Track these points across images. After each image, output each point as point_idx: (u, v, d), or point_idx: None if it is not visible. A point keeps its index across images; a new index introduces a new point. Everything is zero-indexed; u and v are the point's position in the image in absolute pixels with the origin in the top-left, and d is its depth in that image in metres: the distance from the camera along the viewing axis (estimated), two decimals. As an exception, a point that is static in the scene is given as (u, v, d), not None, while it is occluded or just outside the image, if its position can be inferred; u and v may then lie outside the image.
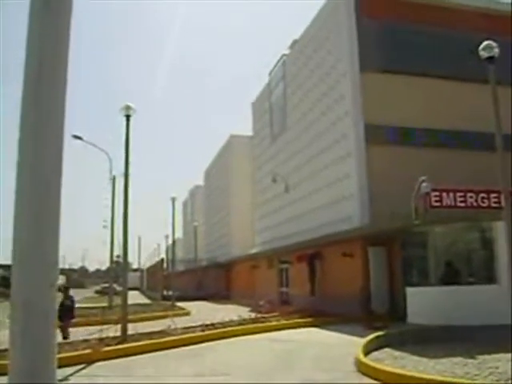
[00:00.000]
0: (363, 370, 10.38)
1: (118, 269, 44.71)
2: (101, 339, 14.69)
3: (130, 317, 18.41)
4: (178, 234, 75.42)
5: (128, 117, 16.30)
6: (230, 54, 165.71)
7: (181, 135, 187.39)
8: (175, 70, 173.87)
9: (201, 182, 67.74)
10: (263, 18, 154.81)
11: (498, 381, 8.95)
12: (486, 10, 23.65)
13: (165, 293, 45.82)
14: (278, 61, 32.11)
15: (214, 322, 19.33)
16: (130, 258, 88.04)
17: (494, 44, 11.87)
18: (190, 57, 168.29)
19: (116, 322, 16.87)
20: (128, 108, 16.27)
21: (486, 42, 11.96)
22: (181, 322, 20.05)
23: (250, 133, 41.15)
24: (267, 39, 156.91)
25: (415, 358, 11.28)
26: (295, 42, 29.76)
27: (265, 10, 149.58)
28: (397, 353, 11.98)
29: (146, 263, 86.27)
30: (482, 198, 15.91)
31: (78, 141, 28.14)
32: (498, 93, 11.97)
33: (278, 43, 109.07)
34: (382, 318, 18.79)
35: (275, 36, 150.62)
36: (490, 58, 11.87)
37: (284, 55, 31.41)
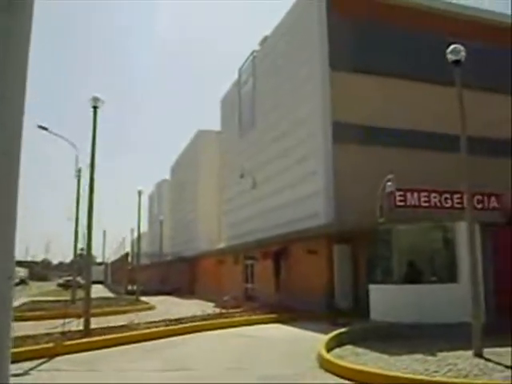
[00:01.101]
0: (325, 366, 10.48)
1: (82, 262, 44.19)
2: (63, 333, 14.52)
3: (94, 311, 18.26)
4: (144, 227, 74.98)
5: (95, 108, 16.12)
6: (203, 48, 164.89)
7: (148, 128, 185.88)
8: (145, 62, 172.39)
9: (168, 176, 67.38)
10: (236, 14, 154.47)
11: (456, 377, 9.13)
12: (454, 15, 24.02)
13: (129, 287, 45.49)
14: (248, 57, 32.08)
15: (178, 316, 19.29)
16: (95, 252, 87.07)
17: (461, 48, 12.07)
18: (161, 49, 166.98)
19: (79, 316, 16.68)
20: (96, 99, 16.09)
21: (453, 46, 12.15)
22: (145, 317, 19.96)
23: (219, 128, 41.05)
24: (238, 35, 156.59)
25: (377, 354, 11.43)
26: (266, 39, 29.76)
27: (238, 6, 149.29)
28: (359, 349, 12.12)
29: (110, 257, 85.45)
30: (446, 198, 16.20)
31: (49, 136, 27.64)
32: (464, 96, 12.19)
33: (249, 40, 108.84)
34: (345, 315, 18.97)
35: (246, 32, 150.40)
36: (457, 62, 12.07)
37: (254, 51, 31.37)
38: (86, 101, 16.21)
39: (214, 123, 44.98)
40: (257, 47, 31.16)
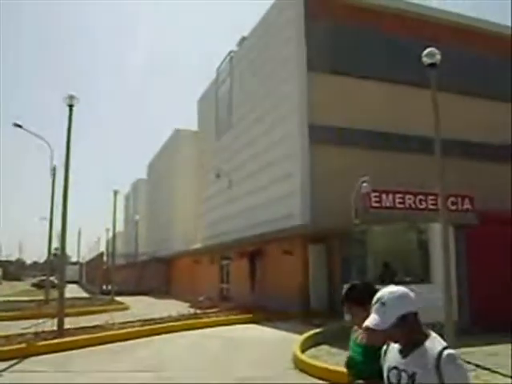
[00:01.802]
0: (300, 366, 10.52)
1: (56, 261, 43.79)
2: (36, 333, 14.39)
3: (68, 311, 18.09)
4: (120, 227, 74.46)
5: (71, 107, 15.98)
6: (181, 48, 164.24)
7: (125, 127, 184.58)
8: (124, 61, 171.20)
9: (144, 176, 66.98)
10: (215, 14, 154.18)
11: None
12: (431, 19, 24.27)
13: (104, 287, 45.20)
14: (226, 57, 32.03)
15: (153, 317, 19.22)
16: (70, 251, 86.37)
17: (436, 51, 12.21)
18: (140, 48, 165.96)
19: (52, 316, 16.53)
20: (71, 98, 15.96)
21: (428, 49, 12.29)
22: (119, 317, 19.84)
23: (196, 128, 40.91)
24: (218, 35, 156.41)
25: (351, 354, 11.48)
26: (243, 39, 29.74)
27: (217, 6, 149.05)
28: (334, 349, 12.19)
29: (86, 256, 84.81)
30: (420, 199, 16.33)
31: (23, 134, 27.35)
32: (439, 98, 12.33)
33: (228, 39, 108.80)
34: (320, 315, 19.08)
35: (226, 32, 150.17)
36: (432, 65, 12.21)
37: (232, 52, 31.34)
38: (61, 99, 16.08)
39: (191, 123, 44.88)
40: (235, 48, 31.15)
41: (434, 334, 2.63)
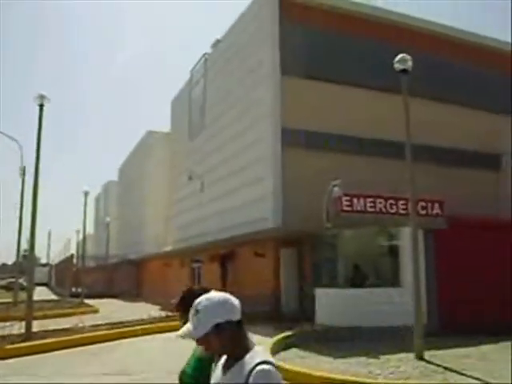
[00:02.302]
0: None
1: (25, 263, 43.14)
2: (3, 337, 14.18)
3: (36, 313, 17.86)
4: (90, 229, 73.73)
5: (41, 106, 15.79)
6: (155, 49, 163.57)
7: (97, 128, 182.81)
8: (96, 62, 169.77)
9: (115, 178, 66.47)
10: (188, 17, 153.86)
11: (398, 379, 9.33)
12: (403, 25, 24.59)
13: (74, 289, 44.71)
14: (200, 59, 31.97)
15: (123, 320, 19.06)
16: (39, 253, 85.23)
17: (408, 57, 12.38)
18: (113, 49, 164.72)
19: (21, 319, 16.29)
20: (41, 97, 15.77)
21: (400, 55, 12.45)
22: (89, 320, 19.63)
23: (169, 129, 40.72)
24: (191, 38, 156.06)
25: (321, 357, 11.57)
26: (218, 42, 29.73)
27: (190, 8, 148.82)
28: (304, 352, 12.25)
29: (55, 258, 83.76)
30: (391, 204, 16.51)
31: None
32: (411, 104, 12.50)
33: (202, 42, 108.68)
34: (291, 318, 19.12)
35: (200, 35, 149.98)
36: (404, 71, 12.38)
37: (206, 54, 31.30)
38: (31, 99, 15.90)
39: (166, 124, 44.60)
40: (209, 50, 31.12)
41: (258, 347, 2.36)
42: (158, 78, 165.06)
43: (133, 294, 44.73)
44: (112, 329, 16.72)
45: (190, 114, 33.31)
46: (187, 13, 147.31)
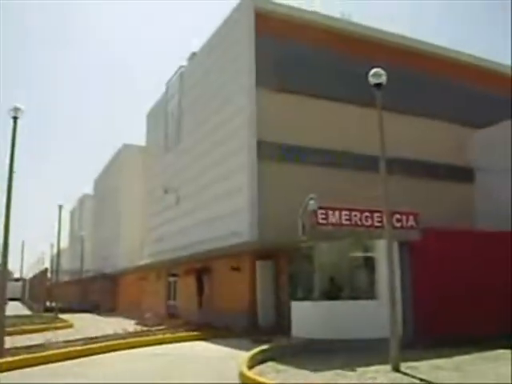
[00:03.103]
0: (247, 383, 10.48)
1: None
2: (-26, 353, 13.86)
3: (8, 329, 17.53)
4: (65, 243, 72.83)
5: (15, 119, 15.60)
6: (130, 61, 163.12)
7: (72, 141, 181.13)
8: (70, 73, 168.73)
9: (90, 191, 65.92)
10: (164, 30, 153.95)
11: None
12: (376, 39, 24.94)
13: (48, 304, 44.11)
14: (176, 72, 31.99)
15: (98, 335, 18.82)
16: (12, 266, 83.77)
17: (382, 71, 12.52)
18: (88, 60, 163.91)
19: (-8, 335, 15.95)
20: (16, 110, 15.57)
21: (375, 69, 12.59)
22: (63, 335, 19.34)
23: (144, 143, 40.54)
24: (166, 51, 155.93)
25: (298, 370, 11.55)
26: (194, 55, 29.79)
27: (168, 20, 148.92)
28: (281, 366, 12.21)
29: (29, 272, 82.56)
30: (366, 216, 16.61)
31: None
32: (384, 117, 12.63)
33: (178, 55, 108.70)
34: (267, 332, 19.09)
35: (175, 48, 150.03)
36: (378, 85, 12.52)
37: (182, 67, 31.32)
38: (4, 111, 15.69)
39: (141, 137, 44.42)
40: (185, 62, 31.16)
41: None
42: (134, 90, 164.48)
43: (108, 308, 44.27)
44: (86, 344, 16.49)
45: (166, 126, 33.24)
46: (163, 25, 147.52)
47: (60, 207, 35.51)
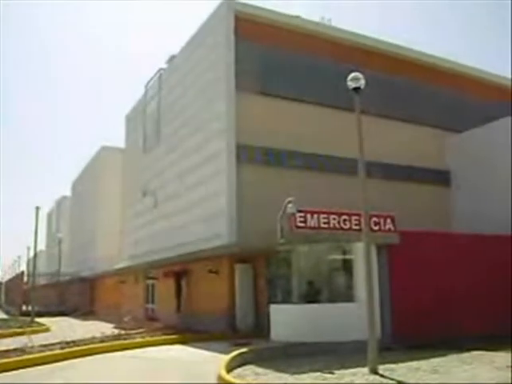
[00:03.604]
0: (226, 386, 10.48)
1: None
2: None
3: (-17, 333, 17.33)
4: (42, 245, 72.21)
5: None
6: (110, 63, 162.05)
7: (50, 143, 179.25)
8: (48, 74, 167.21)
9: (68, 193, 65.34)
10: (143, 31, 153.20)
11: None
12: (355, 44, 25.12)
13: (24, 308, 43.63)
14: (155, 74, 31.86)
15: (75, 338, 18.66)
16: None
17: (361, 75, 12.61)
18: (65, 60, 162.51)
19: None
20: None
21: (353, 74, 12.67)
22: (40, 339, 19.16)
23: (123, 145, 40.28)
24: (146, 53, 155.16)
25: (276, 373, 11.57)
26: (173, 57, 29.70)
27: (145, 23, 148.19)
28: (259, 369, 12.22)
29: (5, 276, 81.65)
30: (344, 220, 16.69)
31: None
32: (363, 121, 12.72)
33: (158, 57, 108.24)
34: (246, 335, 19.09)
35: (155, 50, 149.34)
36: (357, 89, 12.61)
37: (161, 69, 31.21)
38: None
39: (119, 139, 44.12)
40: (164, 65, 31.04)
41: None
42: (113, 92, 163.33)
43: (86, 311, 43.91)
44: (64, 348, 16.34)
45: (145, 129, 33.09)
46: (143, 26, 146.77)
47: (37, 209, 35.14)
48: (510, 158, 23.52)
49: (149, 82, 32.90)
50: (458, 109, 27.73)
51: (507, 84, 30.32)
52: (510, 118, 24.24)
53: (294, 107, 23.01)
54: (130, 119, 37.98)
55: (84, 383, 11.34)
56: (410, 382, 10.09)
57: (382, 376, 10.79)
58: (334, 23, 25.98)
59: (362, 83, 12.55)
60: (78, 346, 16.97)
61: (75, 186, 60.68)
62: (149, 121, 32.49)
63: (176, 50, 29.11)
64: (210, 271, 22.66)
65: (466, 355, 13.49)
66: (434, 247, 17.49)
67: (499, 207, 23.23)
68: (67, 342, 17.52)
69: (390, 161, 24.24)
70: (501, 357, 12.94)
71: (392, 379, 10.43)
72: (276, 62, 23.36)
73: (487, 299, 17.91)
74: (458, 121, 27.40)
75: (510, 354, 13.11)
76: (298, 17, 24.62)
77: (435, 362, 12.59)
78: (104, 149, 48.14)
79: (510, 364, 11.57)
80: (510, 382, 9.80)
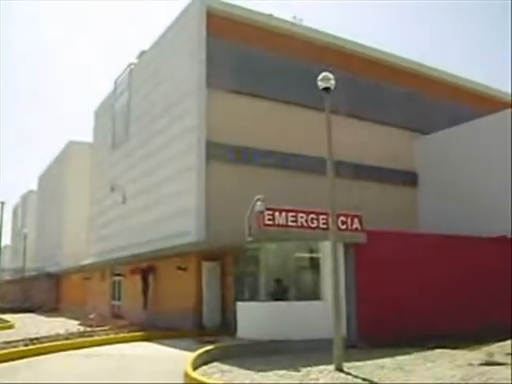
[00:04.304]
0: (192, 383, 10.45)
1: None
2: None
3: None
4: (7, 240, 70.98)
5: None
6: (79, 57, 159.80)
7: (16, 138, 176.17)
8: (15, 66, 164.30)
9: (35, 187, 64.30)
10: (113, 26, 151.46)
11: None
12: (327, 44, 25.30)
13: (-13, 304, 42.88)
14: (125, 69, 31.57)
15: (40, 335, 18.39)
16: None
17: (331, 76, 12.68)
18: (32, 55, 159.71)
19: None
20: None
21: (323, 74, 12.73)
22: (3, 336, 18.85)
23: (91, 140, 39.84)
24: (116, 47, 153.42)
25: (242, 371, 11.58)
26: (143, 53, 29.46)
27: (116, 17, 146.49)
28: (225, 366, 12.22)
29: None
30: (312, 218, 16.77)
31: None
32: (333, 121, 12.79)
33: (128, 52, 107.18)
34: (213, 333, 19.07)
35: (125, 44, 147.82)
36: (327, 89, 12.67)
37: (131, 64, 30.93)
38: None
39: (88, 134, 43.57)
40: (134, 60, 30.76)
41: None
42: (82, 86, 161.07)
43: (51, 308, 43.30)
44: (27, 345, 16.10)
45: (114, 124, 32.77)
46: (114, 20, 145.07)
47: (2, 204, 34.62)
48: (471, 160, 24.24)
49: (118, 77, 32.59)
50: (427, 111, 28.14)
51: (476, 88, 30.91)
52: (471, 121, 24.90)
53: (266, 106, 23.08)
54: (98, 114, 37.59)
55: (45, 383, 11.15)
56: (375, 379, 10.20)
57: (347, 374, 10.88)
58: (316, 24, 26.21)
59: (332, 83, 12.61)
60: (42, 343, 16.73)
61: (42, 181, 59.78)
62: (118, 116, 32.18)
63: (147, 46, 28.92)
64: (179, 268, 22.56)
65: (429, 353, 13.69)
66: (400, 247, 17.71)
67: (460, 208, 23.79)
68: (31, 339, 17.24)
69: (359, 161, 24.49)
70: (462, 354, 13.19)
71: (357, 377, 10.52)
72: (248, 61, 23.38)
73: (452, 298, 18.23)
74: (426, 123, 27.81)
75: (470, 352, 13.41)
76: (270, 15, 24.68)
77: (400, 359, 12.74)
78: (72, 143, 47.50)
79: (470, 362, 11.80)
80: (469, 378, 9.99)
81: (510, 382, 9.49)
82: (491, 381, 9.63)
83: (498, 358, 11.95)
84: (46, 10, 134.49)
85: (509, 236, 20.40)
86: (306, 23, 26.02)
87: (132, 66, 30.74)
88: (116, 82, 33.03)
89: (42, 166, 59.55)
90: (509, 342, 14.97)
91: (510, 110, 24.78)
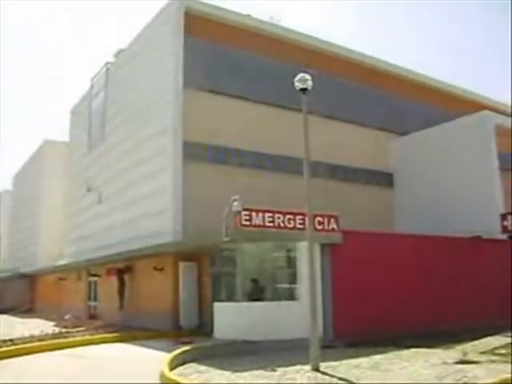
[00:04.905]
0: (168, 384, 10.42)
1: None
2: None
3: None
4: (-21, 241, 69.83)
5: None
6: (55, 55, 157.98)
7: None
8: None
9: (9, 187, 63.48)
10: (90, 25, 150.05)
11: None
12: (304, 45, 25.39)
13: (-41, 305, 42.24)
14: (102, 68, 31.32)
15: (13, 337, 18.15)
16: None
17: (308, 77, 12.71)
18: (7, 51, 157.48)
19: None
20: None
21: (300, 74, 12.77)
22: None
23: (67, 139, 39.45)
24: (92, 46, 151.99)
25: (219, 371, 11.58)
26: (120, 51, 29.27)
27: (92, 15, 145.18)
28: (202, 367, 12.21)
29: None
30: (289, 219, 16.80)
31: None
32: (310, 122, 12.84)
33: (105, 50, 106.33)
34: (190, 333, 19.02)
35: (102, 43, 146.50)
36: (304, 90, 12.70)
37: (108, 63, 30.70)
38: None
39: (63, 133, 43.03)
40: (111, 59, 30.53)
41: None
42: (58, 84, 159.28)
43: (26, 309, 42.80)
44: (1, 347, 15.87)
45: (90, 123, 32.50)
46: (91, 18, 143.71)
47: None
48: (445, 162, 24.58)
49: (95, 76, 32.32)
50: (403, 112, 28.41)
51: (452, 90, 31.29)
52: (446, 123, 25.26)
53: (243, 106, 23.12)
54: (74, 113, 37.26)
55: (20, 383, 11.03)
56: (351, 379, 10.26)
57: (323, 373, 10.93)
58: (296, 26, 26.28)
59: (309, 84, 12.65)
60: (16, 344, 16.51)
61: (16, 180, 59.04)
62: (94, 115, 31.92)
63: (125, 44, 28.72)
64: (155, 268, 22.46)
65: (404, 352, 13.81)
66: (376, 247, 17.84)
67: (433, 208, 24.10)
68: (4, 341, 17.00)
69: (335, 161, 24.62)
70: (436, 353, 13.32)
71: (333, 376, 10.57)
72: (226, 60, 23.37)
73: (427, 298, 18.42)
74: (402, 124, 28.08)
75: (445, 351, 13.56)
76: (248, 15, 24.71)
77: (375, 359, 12.83)
78: (47, 143, 46.93)
79: (445, 360, 11.94)
80: (443, 377, 10.11)
81: (483, 380, 9.62)
82: (465, 379, 9.75)
83: (472, 357, 12.11)
84: (20, 6, 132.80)
85: (484, 237, 20.65)
86: (284, 24, 26.13)
87: (109, 65, 30.51)
88: (92, 80, 32.76)
89: (16, 166, 58.87)
90: (483, 340, 15.20)
91: (485, 111, 25.17)
